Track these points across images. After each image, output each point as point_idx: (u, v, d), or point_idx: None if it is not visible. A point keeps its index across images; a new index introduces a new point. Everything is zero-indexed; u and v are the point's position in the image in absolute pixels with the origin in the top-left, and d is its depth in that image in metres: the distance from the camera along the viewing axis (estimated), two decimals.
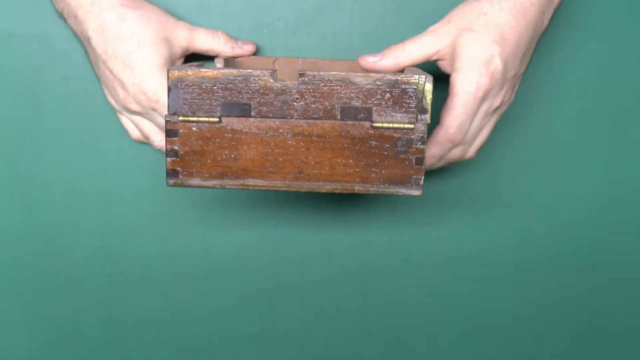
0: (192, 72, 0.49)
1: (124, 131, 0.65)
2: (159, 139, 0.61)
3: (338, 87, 0.48)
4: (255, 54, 0.64)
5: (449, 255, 0.72)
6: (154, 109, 0.58)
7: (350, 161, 0.49)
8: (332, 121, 0.49)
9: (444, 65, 0.57)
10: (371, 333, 0.73)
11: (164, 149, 0.61)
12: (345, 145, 0.49)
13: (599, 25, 0.66)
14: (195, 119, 0.49)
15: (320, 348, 0.73)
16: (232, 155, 0.49)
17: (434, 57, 0.57)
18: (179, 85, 0.49)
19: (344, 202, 0.70)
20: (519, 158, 0.69)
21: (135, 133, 0.62)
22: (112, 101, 0.61)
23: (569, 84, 0.67)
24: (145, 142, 0.63)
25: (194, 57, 0.62)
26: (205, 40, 0.61)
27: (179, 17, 0.64)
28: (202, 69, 0.49)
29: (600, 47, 0.67)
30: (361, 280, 0.72)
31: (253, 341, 0.73)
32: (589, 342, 0.74)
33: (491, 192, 0.70)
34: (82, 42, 0.60)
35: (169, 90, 0.49)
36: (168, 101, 0.49)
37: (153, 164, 0.67)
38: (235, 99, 0.49)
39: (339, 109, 0.49)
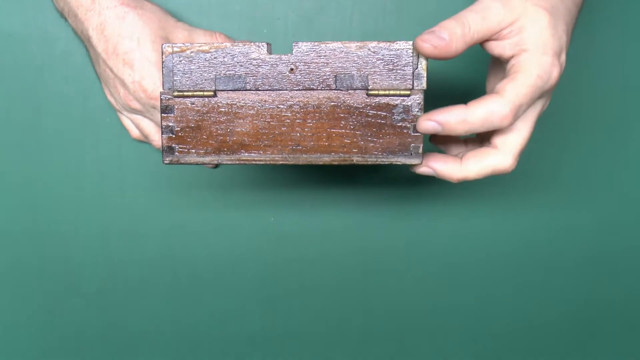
0: (186, 47, 0.49)
1: (124, 131, 0.65)
2: (157, 137, 0.61)
3: (333, 57, 0.48)
4: None
5: (449, 255, 0.72)
6: (154, 107, 0.58)
7: (348, 131, 0.49)
8: (328, 91, 0.48)
9: (495, 46, 0.47)
10: (371, 333, 0.73)
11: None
12: (342, 115, 0.48)
13: None
14: (190, 93, 0.49)
15: (320, 348, 0.73)
16: (228, 130, 0.49)
17: (496, 36, 0.47)
18: (173, 60, 0.49)
19: (344, 201, 0.70)
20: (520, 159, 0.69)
21: (135, 132, 0.62)
22: (112, 100, 0.61)
23: (571, 83, 0.68)
24: (145, 142, 0.63)
25: None
26: (203, 42, 0.61)
27: (179, 17, 0.64)
28: (195, 44, 0.49)
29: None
30: (361, 280, 0.72)
31: (253, 341, 0.73)
32: (592, 342, 0.74)
33: (492, 190, 0.70)
34: (83, 42, 0.60)
35: (163, 66, 0.49)
36: (162, 77, 0.49)
37: (153, 163, 0.67)
38: (230, 72, 0.49)
39: (334, 78, 0.48)
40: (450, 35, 0.45)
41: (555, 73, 0.46)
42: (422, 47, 0.46)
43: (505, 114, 0.45)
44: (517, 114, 0.46)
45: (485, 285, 0.73)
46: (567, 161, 0.70)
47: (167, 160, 0.50)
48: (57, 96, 0.66)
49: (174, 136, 0.50)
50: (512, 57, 0.47)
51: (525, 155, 0.69)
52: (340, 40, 0.65)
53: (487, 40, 0.47)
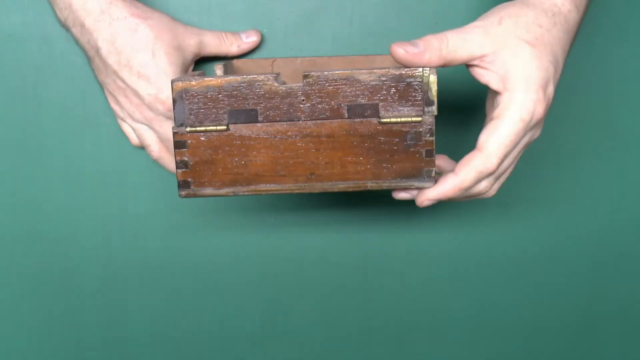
0: (196, 82, 0.48)
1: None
2: (157, 149, 0.61)
3: (343, 86, 0.48)
4: (256, 48, 0.64)
5: (449, 256, 0.72)
6: (170, 118, 0.58)
7: (361, 158, 0.49)
8: (340, 120, 0.49)
9: (481, 74, 0.49)
10: (371, 333, 0.73)
11: (159, 160, 0.62)
12: (355, 143, 0.49)
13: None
14: (202, 128, 0.49)
15: (320, 348, 0.73)
16: (243, 162, 0.49)
17: (474, 62, 0.48)
18: (184, 96, 0.49)
19: (343, 201, 0.70)
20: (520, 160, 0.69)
21: (135, 140, 0.63)
22: (117, 108, 0.61)
23: (574, 86, 0.68)
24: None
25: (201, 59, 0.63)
26: (214, 45, 0.62)
27: (179, 18, 0.64)
28: (205, 78, 0.48)
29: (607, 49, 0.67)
30: (361, 280, 0.72)
31: (253, 341, 0.73)
32: (592, 343, 0.74)
33: (491, 198, 0.70)
34: (87, 52, 0.59)
35: (174, 102, 0.49)
36: (174, 113, 0.49)
37: (153, 164, 0.67)
38: (241, 105, 0.48)
39: (346, 107, 0.48)
40: (426, 45, 0.47)
41: (539, 109, 0.47)
42: (395, 51, 0.47)
43: (493, 166, 0.48)
44: (504, 159, 0.48)
45: (485, 293, 0.73)
46: (565, 169, 0.70)
47: (183, 194, 0.50)
48: (57, 96, 0.66)
49: (188, 170, 0.50)
50: (498, 93, 0.48)
51: (523, 162, 0.69)
52: (343, 40, 0.65)
53: (471, 65, 0.49)
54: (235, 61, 0.64)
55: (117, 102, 0.60)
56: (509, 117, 0.47)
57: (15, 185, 0.68)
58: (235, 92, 0.48)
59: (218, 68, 0.61)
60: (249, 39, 0.63)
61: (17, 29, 0.65)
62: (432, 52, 0.47)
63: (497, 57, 0.47)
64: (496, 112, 0.48)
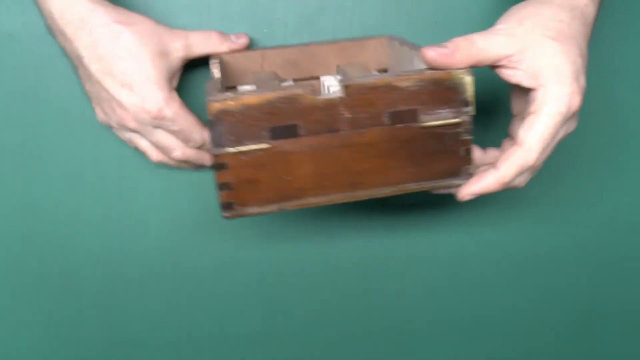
0: (233, 101, 0.47)
1: None
2: (155, 154, 0.60)
3: (382, 94, 0.48)
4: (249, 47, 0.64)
5: (449, 257, 0.72)
6: (158, 126, 0.57)
7: (402, 163, 0.49)
8: (381, 127, 0.48)
9: (510, 74, 0.50)
10: (371, 334, 0.73)
11: (162, 161, 0.61)
12: (396, 148, 0.49)
13: None
14: (244, 148, 0.48)
15: (320, 349, 0.73)
16: (286, 178, 0.49)
17: (502, 62, 0.49)
18: (222, 116, 0.47)
19: (343, 203, 0.70)
20: None
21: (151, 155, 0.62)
22: (104, 118, 0.59)
23: None
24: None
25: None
26: (201, 45, 0.60)
27: (179, 18, 0.64)
28: (242, 96, 0.47)
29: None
30: (361, 282, 0.72)
31: (253, 341, 0.73)
32: (592, 343, 0.75)
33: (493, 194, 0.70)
34: (72, 60, 0.58)
35: (212, 123, 0.47)
36: (211, 134, 0.47)
37: (153, 164, 0.67)
38: (281, 121, 0.47)
39: (387, 114, 0.48)
40: (455, 46, 0.48)
41: (575, 100, 0.48)
42: (425, 54, 0.48)
43: (533, 160, 0.49)
44: (546, 151, 0.49)
45: (485, 294, 0.73)
46: (564, 170, 0.70)
47: (228, 215, 0.49)
48: (57, 96, 0.66)
49: (231, 192, 0.48)
50: (531, 89, 0.49)
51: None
52: (341, 36, 0.65)
53: (498, 66, 0.49)
54: (224, 56, 0.63)
55: (105, 112, 0.58)
56: (546, 111, 0.48)
57: (15, 186, 0.68)
58: (275, 109, 0.47)
59: (215, 67, 0.61)
60: (239, 40, 0.62)
61: (17, 29, 0.65)
62: (461, 52, 0.48)
63: (524, 56, 0.48)
64: (533, 108, 0.49)
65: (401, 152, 0.49)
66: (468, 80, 0.48)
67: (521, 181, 0.52)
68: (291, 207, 0.49)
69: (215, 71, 0.58)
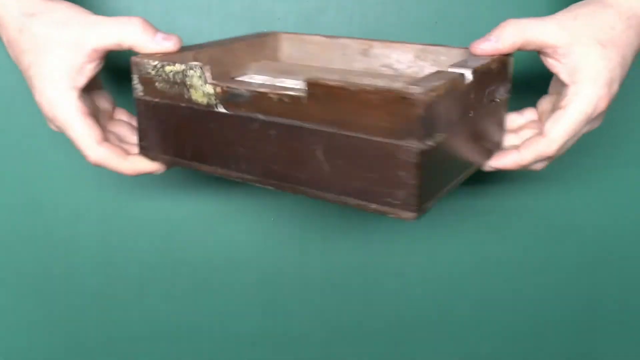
0: (444, 88, 0.43)
1: None
2: (88, 154, 0.52)
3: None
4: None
5: (449, 257, 0.72)
6: (58, 128, 0.52)
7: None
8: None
9: (553, 64, 0.52)
10: (371, 334, 0.73)
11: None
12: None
13: None
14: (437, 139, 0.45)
15: (320, 348, 0.74)
16: None
17: (547, 50, 0.51)
18: (439, 100, 0.43)
19: None
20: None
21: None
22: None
23: None
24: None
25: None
26: (111, 34, 0.51)
27: (179, 18, 0.64)
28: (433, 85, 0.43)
29: None
30: (361, 281, 0.72)
31: (253, 341, 0.73)
32: (592, 343, 0.75)
33: (491, 201, 0.70)
34: None
35: (429, 107, 0.42)
36: (424, 122, 0.41)
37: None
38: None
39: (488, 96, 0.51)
40: (499, 34, 0.51)
41: (602, 104, 0.50)
42: (475, 50, 0.52)
43: (552, 151, 0.52)
44: (567, 144, 0.52)
45: (485, 294, 0.73)
46: (564, 171, 0.70)
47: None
48: None
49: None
50: (566, 85, 0.51)
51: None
52: (345, 35, 0.65)
53: (544, 53, 0.52)
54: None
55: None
56: (573, 108, 0.50)
57: (15, 186, 0.68)
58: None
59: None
60: (164, 42, 0.52)
61: None
62: (504, 41, 0.51)
63: (569, 51, 0.50)
64: (563, 102, 0.51)
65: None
66: (510, 60, 0.52)
67: (539, 166, 0.55)
68: None
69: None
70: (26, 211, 0.69)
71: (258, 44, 0.61)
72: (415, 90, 0.40)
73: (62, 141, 0.67)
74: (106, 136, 0.53)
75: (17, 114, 0.66)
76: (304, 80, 0.44)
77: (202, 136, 0.49)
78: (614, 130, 0.69)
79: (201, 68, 0.48)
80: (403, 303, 0.73)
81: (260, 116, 0.46)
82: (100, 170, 0.67)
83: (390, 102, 0.41)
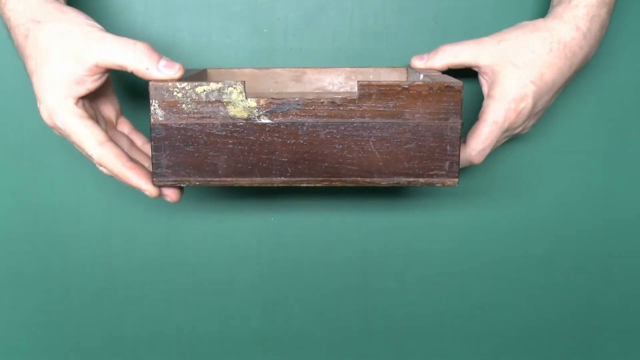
0: None
1: None
2: (90, 153, 0.53)
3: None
4: (256, 52, 0.63)
5: (448, 255, 0.72)
6: (60, 134, 0.53)
7: None
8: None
9: (480, 80, 0.60)
10: (371, 333, 0.73)
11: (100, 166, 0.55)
12: None
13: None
14: None
15: (320, 348, 0.73)
16: None
17: (474, 69, 0.60)
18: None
19: (343, 200, 0.70)
20: (519, 154, 0.70)
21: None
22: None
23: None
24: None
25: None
26: (114, 55, 0.51)
27: (179, 18, 0.64)
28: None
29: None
30: (361, 280, 0.72)
31: (253, 341, 0.73)
32: (592, 343, 0.74)
33: (491, 188, 0.70)
34: None
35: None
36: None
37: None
38: None
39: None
40: (430, 56, 0.61)
41: (510, 115, 0.57)
42: (412, 63, 0.62)
43: (474, 157, 0.59)
44: (485, 152, 0.59)
45: (485, 292, 0.73)
46: (564, 168, 0.70)
47: None
48: None
49: None
50: (485, 99, 0.59)
51: (521, 163, 0.69)
52: (343, 41, 0.65)
53: (476, 71, 0.60)
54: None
55: None
56: (484, 120, 0.58)
57: (14, 186, 0.68)
58: None
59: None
60: (166, 70, 0.52)
61: None
62: (434, 60, 0.61)
63: (489, 70, 0.58)
64: (479, 114, 0.59)
65: None
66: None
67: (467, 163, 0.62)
68: None
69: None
70: (26, 211, 0.69)
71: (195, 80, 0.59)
72: (455, 81, 0.51)
73: (62, 141, 0.67)
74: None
75: (17, 114, 0.66)
76: (357, 82, 0.51)
77: (240, 149, 0.52)
78: (614, 129, 0.69)
79: (243, 84, 0.51)
80: (403, 303, 0.73)
81: (310, 120, 0.51)
82: (100, 170, 0.67)
83: (437, 92, 0.51)
